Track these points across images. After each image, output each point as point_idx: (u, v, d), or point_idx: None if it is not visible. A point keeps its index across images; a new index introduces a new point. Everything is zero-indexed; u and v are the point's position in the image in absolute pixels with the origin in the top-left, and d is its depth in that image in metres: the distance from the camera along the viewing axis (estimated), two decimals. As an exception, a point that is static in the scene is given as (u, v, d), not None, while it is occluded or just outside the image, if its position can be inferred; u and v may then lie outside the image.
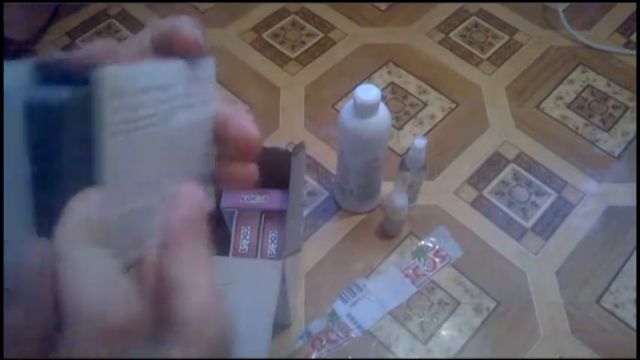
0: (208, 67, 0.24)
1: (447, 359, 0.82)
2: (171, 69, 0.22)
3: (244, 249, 0.75)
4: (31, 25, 1.17)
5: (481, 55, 1.19)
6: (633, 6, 1.26)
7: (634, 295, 0.87)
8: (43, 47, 1.21)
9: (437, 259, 0.91)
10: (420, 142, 0.81)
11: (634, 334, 0.84)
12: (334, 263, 0.91)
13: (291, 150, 0.73)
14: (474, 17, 1.26)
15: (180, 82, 0.22)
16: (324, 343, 0.83)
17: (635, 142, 1.05)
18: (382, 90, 0.98)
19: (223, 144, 0.25)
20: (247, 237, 0.75)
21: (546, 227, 0.95)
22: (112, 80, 0.18)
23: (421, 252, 0.92)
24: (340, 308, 0.86)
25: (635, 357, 0.82)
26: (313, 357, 0.81)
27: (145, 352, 0.18)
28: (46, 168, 0.17)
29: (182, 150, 0.22)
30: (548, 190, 0.99)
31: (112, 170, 0.19)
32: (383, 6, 1.28)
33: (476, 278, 0.89)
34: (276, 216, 0.76)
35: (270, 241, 0.75)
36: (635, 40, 1.21)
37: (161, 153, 0.22)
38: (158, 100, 0.21)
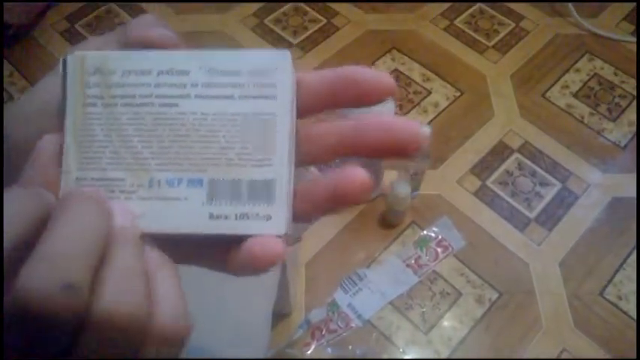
0: (275, 60, 0.21)
1: (449, 359, 0.81)
2: (194, 57, 0.21)
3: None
4: (29, 9, 1.16)
5: (486, 43, 1.17)
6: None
7: (638, 287, 0.87)
8: (42, 31, 1.19)
9: (439, 249, 0.90)
10: (424, 131, 0.80)
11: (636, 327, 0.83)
12: (335, 252, 0.90)
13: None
14: (479, 4, 1.24)
15: (199, 71, 0.21)
16: (323, 332, 0.82)
17: (641, 133, 1.04)
18: (385, 77, 0.96)
19: (352, 103, 0.22)
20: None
21: (550, 218, 0.94)
22: (91, 59, 0.21)
23: (423, 242, 0.91)
24: (341, 298, 0.85)
25: (635, 352, 0.81)
26: (313, 346, 0.81)
27: None
28: None
29: (199, 140, 0.21)
30: (553, 180, 0.98)
31: (83, 135, 0.21)
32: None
33: (478, 269, 0.88)
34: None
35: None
36: (643, 28, 1.19)
37: (157, 135, 0.21)
38: (159, 83, 0.21)
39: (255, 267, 0.20)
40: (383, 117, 0.21)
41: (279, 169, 0.21)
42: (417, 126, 0.21)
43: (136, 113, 0.21)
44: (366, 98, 0.22)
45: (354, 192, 0.20)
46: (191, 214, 0.21)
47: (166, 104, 0.21)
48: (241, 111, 0.21)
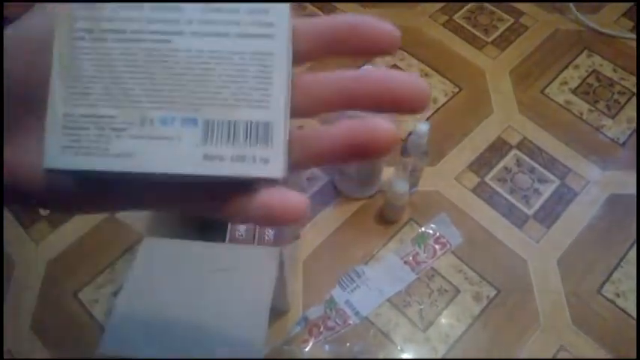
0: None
1: (445, 359, 0.81)
2: None
3: (241, 234, 0.74)
4: (26, 2, 1.15)
5: (485, 39, 1.17)
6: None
7: (636, 284, 0.86)
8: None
9: (437, 246, 0.90)
10: (423, 127, 0.79)
11: (635, 325, 0.83)
12: (333, 249, 0.90)
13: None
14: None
15: (194, 6, 0.20)
16: (321, 329, 0.82)
17: (640, 129, 1.03)
18: (384, 73, 0.96)
19: (352, 53, 0.21)
20: (244, 222, 0.74)
21: (548, 215, 0.93)
22: None
23: (421, 239, 0.90)
24: (338, 295, 0.85)
25: (635, 350, 0.81)
26: (311, 343, 0.80)
27: None
28: None
29: (193, 78, 0.20)
30: (551, 177, 0.98)
31: (71, 70, 0.20)
32: (386, -14, 1.25)
33: (476, 266, 0.88)
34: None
35: (267, 226, 0.74)
36: (642, 24, 1.19)
37: (150, 72, 0.20)
38: (152, 19, 0.20)
39: (273, 222, 0.20)
40: (386, 69, 0.20)
41: (277, 111, 0.20)
42: (422, 81, 0.20)
43: (127, 49, 0.20)
44: (368, 48, 0.20)
45: (379, 141, 0.20)
46: (184, 154, 0.20)
47: (159, 40, 0.20)
48: (238, 50, 0.20)
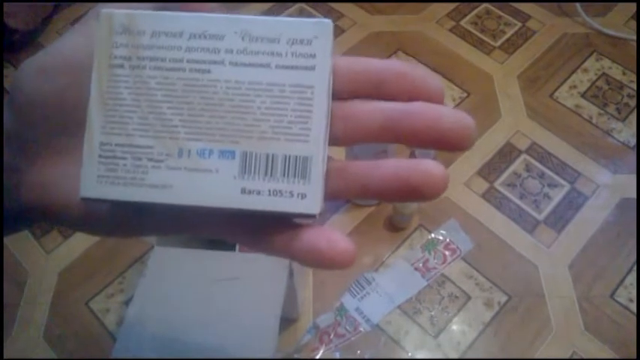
0: (315, 29, 0.21)
1: (461, 359, 0.81)
2: (229, 21, 0.20)
3: (251, 243, 0.74)
4: (34, 14, 1.16)
5: (493, 43, 1.17)
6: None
7: (649, 289, 0.86)
8: (47, 37, 1.19)
9: (447, 252, 0.89)
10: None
11: (649, 330, 0.82)
12: (342, 256, 0.89)
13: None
14: (485, 4, 1.23)
15: (235, 36, 0.20)
16: (332, 337, 0.82)
17: (651, 132, 1.03)
18: (391, 79, 0.96)
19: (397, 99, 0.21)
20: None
21: (559, 219, 0.93)
22: (120, 18, 0.20)
23: (431, 245, 0.90)
24: (349, 302, 0.85)
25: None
26: (321, 351, 0.80)
27: None
28: None
29: (232, 110, 0.20)
30: (561, 181, 0.97)
31: (109, 98, 0.20)
32: (392, -7, 1.26)
33: (487, 272, 0.88)
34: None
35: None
36: (651, 26, 1.18)
37: (188, 102, 0.20)
38: (191, 47, 0.20)
39: (320, 266, 0.20)
40: (432, 105, 0.20)
41: (316, 145, 0.20)
42: (469, 119, 0.20)
43: (166, 78, 0.20)
44: (412, 95, 0.20)
45: (432, 187, 0.19)
46: (222, 188, 0.20)
47: (198, 70, 0.20)
48: (278, 81, 0.20)
